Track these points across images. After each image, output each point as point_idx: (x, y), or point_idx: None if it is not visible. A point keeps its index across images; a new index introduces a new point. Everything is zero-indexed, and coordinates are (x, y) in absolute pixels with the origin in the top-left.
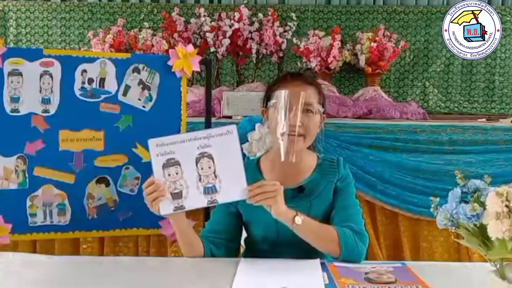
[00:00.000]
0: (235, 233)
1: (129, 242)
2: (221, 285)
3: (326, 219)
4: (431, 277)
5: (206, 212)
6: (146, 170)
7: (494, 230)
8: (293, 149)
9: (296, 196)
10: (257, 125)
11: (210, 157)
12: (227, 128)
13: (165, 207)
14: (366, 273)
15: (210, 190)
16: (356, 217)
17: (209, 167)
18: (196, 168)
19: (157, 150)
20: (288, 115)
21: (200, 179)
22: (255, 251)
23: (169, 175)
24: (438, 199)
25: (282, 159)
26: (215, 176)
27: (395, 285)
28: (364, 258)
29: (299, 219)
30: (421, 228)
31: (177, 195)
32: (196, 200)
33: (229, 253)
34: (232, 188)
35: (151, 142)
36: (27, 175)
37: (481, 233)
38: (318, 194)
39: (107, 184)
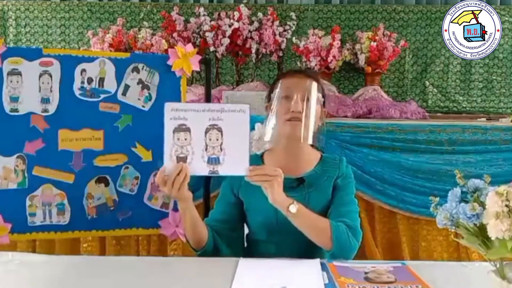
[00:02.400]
0: (237, 222)
1: (130, 241)
2: (221, 285)
3: (323, 213)
4: (430, 277)
5: (205, 208)
6: (145, 169)
7: (494, 230)
8: (298, 132)
9: (296, 187)
10: (257, 125)
11: (219, 130)
12: (241, 106)
13: (169, 169)
14: (365, 273)
15: (214, 160)
16: (352, 214)
17: (217, 139)
18: (205, 138)
19: (171, 114)
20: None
21: (206, 149)
22: (255, 241)
23: (178, 139)
24: (437, 198)
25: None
26: (221, 149)
27: (395, 285)
28: (355, 255)
29: (293, 208)
30: (420, 227)
31: (181, 159)
32: (199, 167)
33: (231, 243)
34: (235, 163)
35: (167, 105)
36: (26, 174)
37: (481, 232)
38: (317, 188)
39: (107, 184)
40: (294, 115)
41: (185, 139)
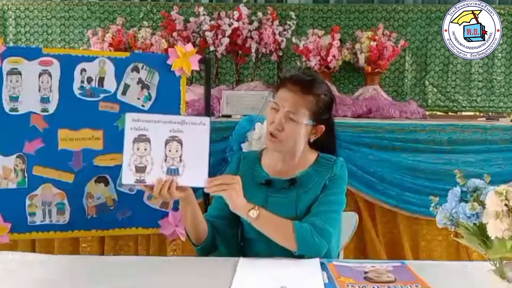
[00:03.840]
0: (233, 219)
1: (129, 241)
2: (221, 285)
3: None
4: (430, 276)
5: (205, 206)
6: None
7: (494, 229)
8: (276, 149)
9: (287, 188)
10: (257, 124)
11: (179, 141)
12: (201, 119)
13: (127, 178)
14: (365, 272)
15: (172, 171)
16: (327, 214)
17: (177, 151)
18: (164, 149)
19: (132, 124)
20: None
21: (165, 160)
22: (247, 239)
23: (138, 149)
24: (437, 198)
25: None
26: (180, 160)
27: (395, 284)
28: (356, 255)
29: (254, 213)
30: (421, 227)
31: (140, 169)
32: (157, 177)
33: (227, 240)
34: (194, 175)
35: (128, 116)
36: (26, 174)
37: (481, 232)
38: (308, 189)
39: (106, 183)
40: (274, 132)
41: (145, 150)
